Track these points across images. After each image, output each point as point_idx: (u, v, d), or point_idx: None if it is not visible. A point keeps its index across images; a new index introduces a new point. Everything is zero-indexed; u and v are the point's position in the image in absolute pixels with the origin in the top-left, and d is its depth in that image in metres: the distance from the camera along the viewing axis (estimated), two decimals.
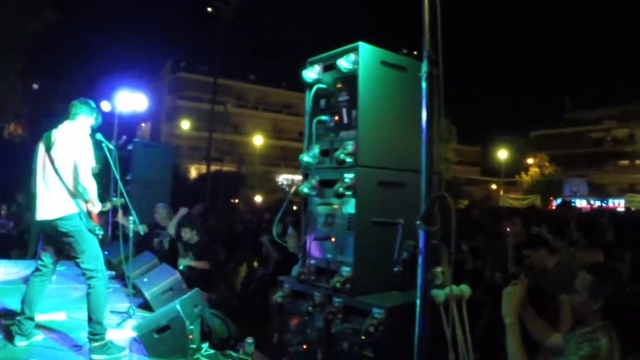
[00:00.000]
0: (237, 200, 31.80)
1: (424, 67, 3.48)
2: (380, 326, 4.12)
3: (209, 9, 31.41)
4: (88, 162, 5.89)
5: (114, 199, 8.23)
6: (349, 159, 4.57)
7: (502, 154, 63.20)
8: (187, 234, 9.78)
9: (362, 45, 4.69)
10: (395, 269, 3.75)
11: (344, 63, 4.68)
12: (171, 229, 10.25)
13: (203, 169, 37.88)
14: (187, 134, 52.42)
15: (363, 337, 4.19)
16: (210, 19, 31.73)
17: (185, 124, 52.19)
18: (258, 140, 54.89)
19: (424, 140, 3.39)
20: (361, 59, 4.65)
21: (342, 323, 4.49)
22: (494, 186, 67.50)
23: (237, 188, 39.25)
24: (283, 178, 51.32)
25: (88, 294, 5.86)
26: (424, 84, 3.43)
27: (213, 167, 34.44)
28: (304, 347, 4.89)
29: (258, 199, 40.71)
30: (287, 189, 44.63)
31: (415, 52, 5.06)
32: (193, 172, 47.47)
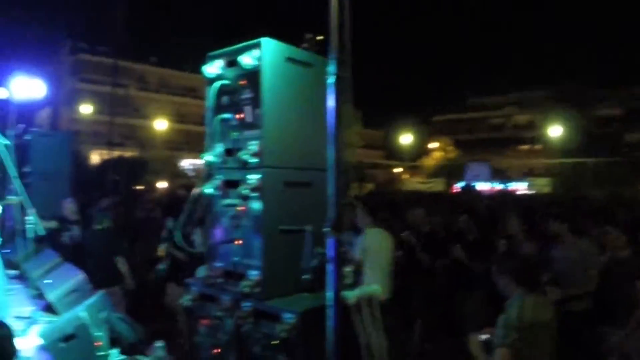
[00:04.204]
0: (140, 187, 31.15)
1: (332, 69, 3.41)
2: (292, 331, 4.06)
3: None
4: None
5: (10, 197, 7.82)
6: (253, 160, 4.45)
7: (406, 138, 64.08)
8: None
9: (265, 41, 4.55)
10: (304, 277, 3.69)
11: (246, 59, 4.54)
12: None
13: (105, 154, 36.97)
14: (88, 119, 51.07)
15: (275, 342, 4.12)
16: None
17: (86, 108, 50.82)
18: (161, 124, 53.96)
19: (332, 145, 3.33)
20: (264, 55, 4.51)
21: (253, 327, 4.40)
22: (396, 170, 68.49)
23: (140, 174, 38.53)
24: (187, 163, 50.57)
25: None
26: (332, 88, 3.36)
27: (115, 153, 33.63)
28: (216, 351, 4.78)
29: (162, 184, 40.04)
30: (191, 174, 44.13)
31: (319, 38, 4.96)
32: (95, 158, 46.30)
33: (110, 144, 31.19)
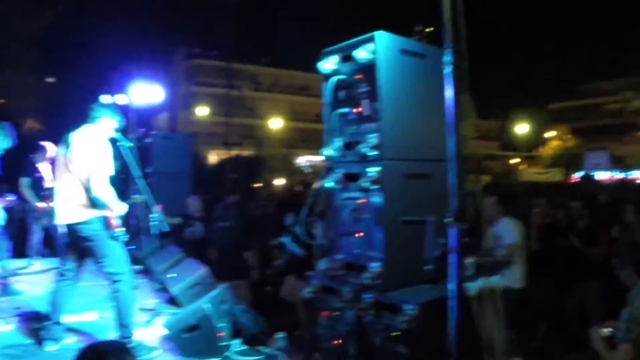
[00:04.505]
0: (258, 185, 31.70)
1: (448, 59, 3.39)
2: (412, 322, 4.06)
3: None
4: (104, 171, 5.71)
5: (135, 196, 8.13)
6: (372, 153, 4.48)
7: (522, 128, 62.35)
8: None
9: (379, 34, 4.58)
10: (426, 268, 3.68)
11: (361, 53, 4.58)
12: None
13: (223, 154, 37.85)
14: (204, 121, 52.21)
15: (395, 334, 4.13)
16: (219, 3, 31.48)
17: (202, 111, 51.99)
18: (276, 123, 54.68)
19: (451, 136, 3.31)
20: (379, 48, 4.54)
21: (374, 319, 4.43)
22: (513, 161, 66.59)
23: (258, 172, 39.15)
24: (303, 160, 51.00)
25: (114, 298, 5.79)
26: (449, 78, 3.34)
27: (232, 152, 34.39)
28: (336, 342, 4.83)
29: (279, 182, 40.56)
30: (307, 171, 44.54)
31: (428, 30, 4.94)
32: (213, 158, 47.36)
33: (227, 144, 31.88)
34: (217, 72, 47.14)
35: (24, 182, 9.24)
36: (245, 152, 43.80)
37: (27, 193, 9.26)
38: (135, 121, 12.00)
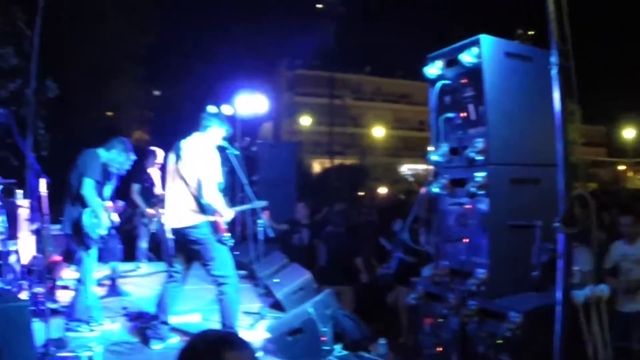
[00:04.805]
0: (361, 193, 31.76)
1: (554, 60, 3.33)
2: (518, 330, 3.97)
3: (318, 6, 31.53)
4: (213, 178, 5.92)
5: (257, 201, 8.29)
6: (479, 157, 4.44)
7: (629, 133, 59.87)
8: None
9: (484, 38, 4.54)
10: (534, 274, 3.61)
11: (467, 57, 4.55)
12: None
13: (326, 163, 38.20)
14: (307, 130, 52.64)
15: (499, 342, 4.07)
16: (321, 15, 31.76)
17: (305, 120, 52.44)
18: (379, 131, 54.56)
19: (559, 139, 3.25)
20: (484, 51, 4.50)
21: (478, 326, 4.37)
22: (621, 167, 63.93)
23: (361, 180, 39.22)
24: (406, 168, 50.66)
25: (220, 300, 5.94)
26: (556, 79, 3.28)
27: (336, 161, 34.63)
28: (439, 349, 4.80)
29: (382, 190, 40.40)
30: (410, 179, 44.28)
31: (531, 33, 4.89)
32: (316, 167, 47.71)
33: (330, 153, 32.16)
34: (320, 82, 47.59)
35: (135, 188, 9.59)
36: (349, 161, 44.02)
37: (137, 199, 9.61)
38: (240, 130, 12.25)
